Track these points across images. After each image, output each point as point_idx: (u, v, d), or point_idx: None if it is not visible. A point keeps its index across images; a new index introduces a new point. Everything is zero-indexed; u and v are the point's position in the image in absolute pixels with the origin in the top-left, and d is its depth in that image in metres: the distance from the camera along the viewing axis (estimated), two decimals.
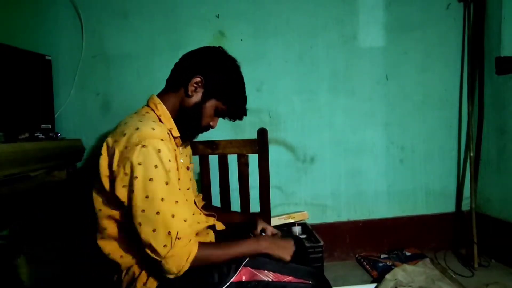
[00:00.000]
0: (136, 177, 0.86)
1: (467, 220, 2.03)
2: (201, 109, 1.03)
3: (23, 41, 1.53)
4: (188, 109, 1.03)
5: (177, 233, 0.87)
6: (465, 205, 2.14)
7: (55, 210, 1.57)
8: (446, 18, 2.08)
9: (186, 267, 0.88)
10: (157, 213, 0.86)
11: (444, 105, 2.12)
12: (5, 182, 1.14)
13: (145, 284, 0.92)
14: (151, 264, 0.90)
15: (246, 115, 1.12)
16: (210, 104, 1.04)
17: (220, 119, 1.12)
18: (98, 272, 1.18)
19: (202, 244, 0.93)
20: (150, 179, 0.87)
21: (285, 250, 1.02)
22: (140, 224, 0.87)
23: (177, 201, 0.90)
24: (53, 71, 1.59)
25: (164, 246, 0.86)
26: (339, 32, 2.00)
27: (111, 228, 0.97)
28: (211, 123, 1.08)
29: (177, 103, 1.04)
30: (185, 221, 0.91)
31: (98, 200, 0.97)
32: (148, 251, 0.87)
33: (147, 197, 0.87)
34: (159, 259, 0.86)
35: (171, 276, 0.89)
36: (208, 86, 1.02)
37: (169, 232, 0.86)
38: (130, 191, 0.87)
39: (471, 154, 2.04)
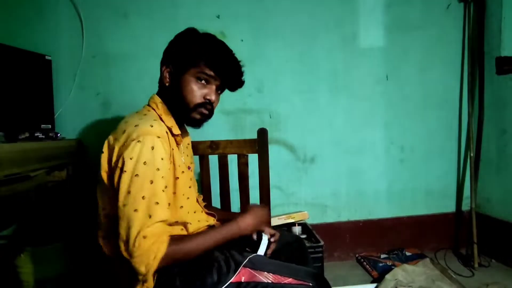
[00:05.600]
0: (125, 171, 0.87)
1: (467, 220, 2.03)
2: (180, 86, 1.00)
3: (23, 41, 1.53)
4: (171, 93, 1.03)
5: (144, 231, 0.84)
6: (465, 205, 2.14)
7: (55, 210, 1.57)
8: (446, 18, 2.08)
9: (154, 266, 0.86)
10: (135, 210, 0.86)
11: (444, 105, 2.12)
12: (5, 182, 1.14)
13: (144, 283, 0.92)
14: (126, 264, 0.87)
15: (241, 75, 1.05)
16: (186, 78, 1.00)
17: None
18: (99, 272, 1.18)
19: (174, 240, 0.90)
20: (136, 175, 0.87)
21: (262, 222, 1.09)
22: (120, 218, 0.87)
23: (157, 202, 0.88)
24: (53, 71, 1.59)
25: (133, 246, 0.84)
26: (339, 32, 2.00)
27: (113, 227, 0.97)
28: (205, 96, 1.01)
29: (167, 97, 1.05)
30: (162, 222, 0.89)
31: (102, 199, 0.98)
32: (122, 248, 0.86)
33: (129, 192, 0.87)
34: (128, 257, 0.85)
35: (141, 277, 0.87)
36: (174, 65, 1.02)
37: (139, 232, 0.84)
38: (118, 184, 0.88)
39: (471, 154, 2.04)
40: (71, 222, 1.59)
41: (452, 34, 2.10)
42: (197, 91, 1.00)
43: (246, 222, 1.04)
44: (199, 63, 0.98)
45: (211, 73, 1.00)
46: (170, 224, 0.99)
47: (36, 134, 1.42)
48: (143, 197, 0.87)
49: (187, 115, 1.03)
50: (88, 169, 1.76)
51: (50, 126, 1.53)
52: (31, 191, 1.32)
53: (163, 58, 1.07)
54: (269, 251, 1.11)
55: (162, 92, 1.07)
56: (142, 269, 0.85)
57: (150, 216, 0.86)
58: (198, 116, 1.03)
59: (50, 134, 1.51)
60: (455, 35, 2.10)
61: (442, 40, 2.08)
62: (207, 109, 1.03)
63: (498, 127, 1.97)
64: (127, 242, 0.85)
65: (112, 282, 1.03)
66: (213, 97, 1.02)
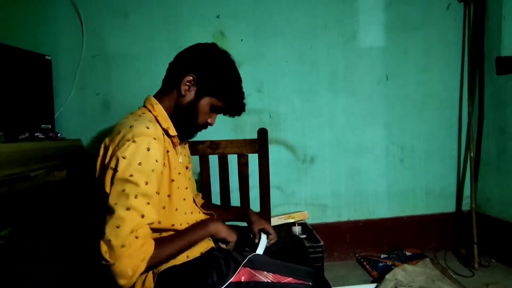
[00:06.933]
0: (118, 171, 0.86)
1: (467, 220, 2.03)
2: (196, 107, 1.03)
3: (23, 41, 1.53)
4: (183, 108, 1.03)
5: (137, 231, 0.84)
6: (465, 205, 2.14)
7: (55, 210, 1.57)
8: (446, 18, 2.08)
9: (142, 268, 0.85)
10: (128, 209, 0.84)
11: (444, 105, 2.12)
12: (5, 182, 1.14)
13: (143, 284, 0.92)
14: (100, 268, 0.84)
15: (244, 110, 1.10)
16: (205, 102, 1.03)
17: (220, 118, 1.12)
18: (98, 272, 1.17)
19: (156, 241, 0.90)
20: (131, 175, 0.86)
21: (230, 234, 1.08)
22: (109, 217, 0.84)
23: (148, 203, 0.87)
24: (53, 71, 1.59)
25: (122, 246, 0.81)
26: (339, 32, 2.00)
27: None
28: (208, 121, 1.07)
29: (172, 103, 1.04)
30: (152, 223, 0.89)
31: (98, 202, 0.97)
32: (104, 250, 0.82)
33: (123, 191, 0.85)
34: (111, 261, 0.81)
35: (123, 281, 0.83)
36: (200, 83, 1.01)
37: (132, 231, 0.83)
38: (111, 183, 0.87)
39: (471, 154, 2.04)
40: (70, 222, 1.59)
41: (452, 34, 2.10)
42: (207, 116, 1.06)
43: (216, 227, 1.06)
44: (223, 100, 1.04)
45: (226, 111, 1.08)
46: (164, 230, 0.99)
47: (36, 134, 1.42)
48: (136, 197, 0.85)
49: (188, 130, 1.08)
50: (88, 169, 1.76)
51: (50, 126, 1.53)
52: (31, 191, 1.31)
53: (186, 65, 1.02)
54: (269, 244, 1.13)
55: (168, 95, 1.04)
56: (129, 271, 0.82)
57: (143, 216, 0.86)
58: (195, 134, 1.11)
59: (50, 134, 1.51)
60: (455, 35, 2.10)
61: (442, 40, 2.08)
62: (203, 129, 1.11)
63: (498, 127, 1.97)
64: (113, 242, 0.81)
65: (112, 283, 1.03)
66: (213, 123, 1.10)
